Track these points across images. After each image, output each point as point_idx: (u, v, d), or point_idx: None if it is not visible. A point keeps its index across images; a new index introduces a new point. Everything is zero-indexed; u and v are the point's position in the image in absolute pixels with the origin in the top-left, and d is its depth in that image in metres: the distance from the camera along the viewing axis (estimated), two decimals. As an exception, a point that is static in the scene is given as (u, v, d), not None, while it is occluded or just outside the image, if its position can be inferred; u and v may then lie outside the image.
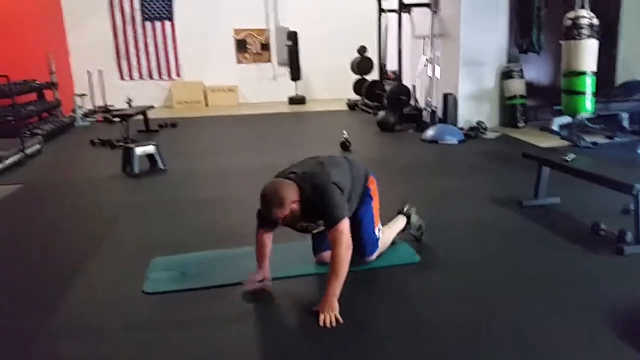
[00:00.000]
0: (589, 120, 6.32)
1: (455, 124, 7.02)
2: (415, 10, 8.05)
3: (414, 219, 3.12)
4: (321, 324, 2.24)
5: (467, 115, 7.08)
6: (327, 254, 2.61)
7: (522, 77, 6.94)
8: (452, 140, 6.38)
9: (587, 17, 5.01)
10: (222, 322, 2.36)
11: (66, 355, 2.13)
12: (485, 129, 6.80)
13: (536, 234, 3.35)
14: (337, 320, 2.25)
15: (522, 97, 6.95)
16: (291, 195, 2.38)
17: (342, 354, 2.09)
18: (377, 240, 2.81)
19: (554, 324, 2.24)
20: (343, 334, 2.20)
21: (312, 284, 2.72)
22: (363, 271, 2.80)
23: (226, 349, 2.16)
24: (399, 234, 3.06)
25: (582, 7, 5.14)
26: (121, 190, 4.75)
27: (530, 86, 7.12)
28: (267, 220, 2.54)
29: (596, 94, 5.27)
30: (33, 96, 8.02)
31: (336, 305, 2.30)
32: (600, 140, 5.88)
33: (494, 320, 2.30)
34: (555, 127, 6.34)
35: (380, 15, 8.50)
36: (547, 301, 2.45)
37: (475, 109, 7.12)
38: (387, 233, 2.94)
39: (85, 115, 9.38)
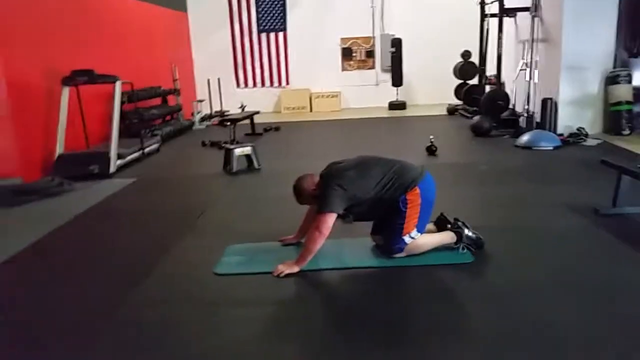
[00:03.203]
0: None
1: (553, 129, 6.76)
2: (519, 14, 7.86)
3: (467, 233, 3.13)
4: (273, 272, 2.93)
5: (567, 120, 6.78)
6: (376, 237, 3.22)
7: (629, 82, 6.50)
8: (547, 146, 6.17)
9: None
10: (277, 303, 2.68)
11: (144, 321, 2.55)
12: (586, 135, 6.47)
13: (605, 243, 3.25)
14: (285, 275, 2.91)
15: (628, 102, 6.50)
16: (308, 186, 3.09)
17: (376, 346, 2.22)
18: (404, 243, 3.02)
19: (603, 341, 2.19)
20: (381, 326, 2.39)
21: (364, 275, 2.97)
22: (413, 267, 2.98)
23: (277, 325, 2.47)
24: (449, 248, 3.14)
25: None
26: (218, 185, 5.30)
27: (639, 91, 6.63)
28: None
29: None
30: (158, 100, 9.03)
31: (294, 269, 2.94)
32: None
33: (538, 329, 2.27)
34: (663, 135, 5.89)
35: (482, 19, 8.39)
36: (601, 315, 2.38)
37: (576, 114, 6.79)
38: (423, 239, 3.08)
39: (203, 119, 10.35)
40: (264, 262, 3.12)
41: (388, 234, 3.08)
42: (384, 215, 3.12)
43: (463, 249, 3.12)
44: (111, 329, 2.48)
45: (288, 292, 2.78)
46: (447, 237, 3.15)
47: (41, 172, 5.65)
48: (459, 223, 3.18)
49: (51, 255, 3.58)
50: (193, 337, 2.38)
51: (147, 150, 6.68)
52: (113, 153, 5.77)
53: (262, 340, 2.32)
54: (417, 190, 2.99)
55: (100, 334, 2.43)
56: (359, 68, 11.85)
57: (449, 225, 3.21)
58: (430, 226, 3.27)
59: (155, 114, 8.20)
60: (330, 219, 2.91)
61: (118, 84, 6.08)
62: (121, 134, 6.86)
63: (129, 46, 8.32)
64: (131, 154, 6.27)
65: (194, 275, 3.06)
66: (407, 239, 3.02)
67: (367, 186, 2.98)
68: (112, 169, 5.71)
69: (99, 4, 7.44)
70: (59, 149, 5.79)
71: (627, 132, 6.53)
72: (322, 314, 2.57)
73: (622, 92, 6.51)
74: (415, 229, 3.03)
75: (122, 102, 7.09)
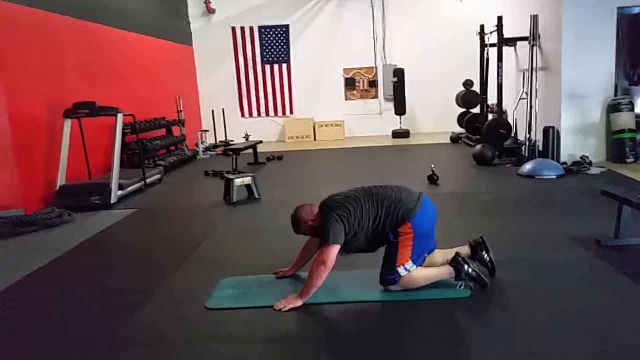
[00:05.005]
0: None
1: (556, 158, 6.71)
2: (519, 44, 7.91)
3: (467, 270, 2.99)
4: (274, 306, 2.88)
5: (570, 149, 6.73)
6: None
7: (631, 110, 6.47)
8: (550, 175, 6.12)
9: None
10: (267, 340, 2.60)
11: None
12: (590, 164, 6.41)
13: (608, 277, 3.15)
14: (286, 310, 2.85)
15: (631, 130, 6.46)
16: (307, 216, 3.06)
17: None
18: (398, 275, 2.96)
19: None
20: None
21: (360, 310, 2.89)
22: (410, 301, 2.92)
23: None
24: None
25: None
26: (217, 215, 5.28)
27: (642, 119, 6.60)
28: None
29: None
30: (162, 131, 9.10)
31: (297, 303, 2.88)
32: None
33: None
34: (668, 163, 5.83)
35: (482, 49, 8.44)
36: (600, 355, 2.29)
37: (580, 142, 6.75)
38: (420, 273, 3.01)
39: (207, 149, 10.41)
40: (258, 296, 3.08)
41: (383, 265, 3.03)
42: (378, 247, 3.09)
43: (461, 286, 3.01)
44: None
45: (282, 328, 2.71)
46: (444, 272, 3.05)
47: (43, 203, 5.67)
48: (460, 259, 3.04)
49: (44, 287, 3.54)
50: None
51: (149, 180, 6.69)
52: (114, 184, 5.78)
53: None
54: (408, 224, 2.94)
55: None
56: (362, 97, 11.94)
57: (474, 251, 3.19)
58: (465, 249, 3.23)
59: (159, 144, 8.26)
60: (335, 251, 2.87)
61: (119, 116, 6.14)
62: (124, 165, 6.93)
63: (133, 79, 8.43)
64: (133, 184, 6.28)
65: (185, 309, 3.00)
66: (401, 270, 2.95)
67: (364, 219, 2.95)
68: (113, 199, 5.72)
69: (104, 38, 7.57)
70: (61, 181, 5.81)
71: (631, 160, 6.47)
72: (316, 351, 2.50)
73: (624, 120, 6.48)
74: (410, 261, 2.96)
75: (125, 134, 7.17)
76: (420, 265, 3.03)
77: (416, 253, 2.98)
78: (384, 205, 2.98)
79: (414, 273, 2.98)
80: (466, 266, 3.01)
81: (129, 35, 8.44)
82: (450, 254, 3.15)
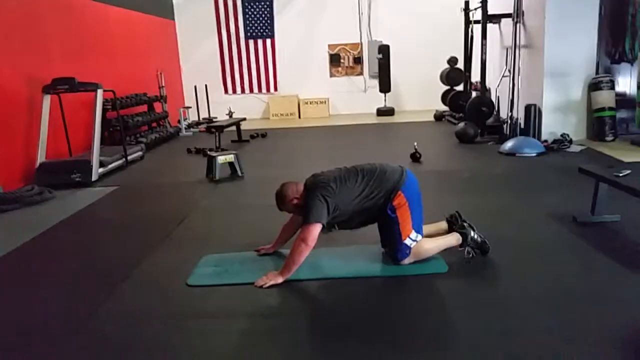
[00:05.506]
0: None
1: (537, 135, 6.77)
2: (504, 21, 7.89)
3: (473, 236, 3.13)
4: (255, 283, 2.90)
5: (551, 127, 6.79)
6: (385, 249, 3.19)
7: (611, 88, 6.53)
8: (531, 152, 6.18)
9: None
10: (248, 316, 2.62)
11: (109, 336, 2.48)
12: (570, 142, 6.48)
13: (583, 253, 3.21)
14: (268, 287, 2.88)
15: (610, 109, 6.53)
16: (292, 193, 3.05)
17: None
18: (407, 247, 3.00)
19: (576, 352, 2.15)
20: (358, 337, 2.36)
21: (340, 285, 2.92)
22: (385, 277, 2.97)
23: (247, 340, 2.40)
24: (453, 249, 3.14)
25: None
26: (199, 193, 5.26)
27: (622, 97, 6.66)
28: None
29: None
30: (144, 108, 8.98)
31: (278, 280, 2.90)
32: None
33: (505, 343, 2.24)
34: (646, 141, 5.91)
35: (467, 25, 8.42)
36: (576, 326, 2.34)
37: (560, 120, 6.81)
38: (427, 243, 3.07)
39: (190, 126, 10.31)
40: (239, 273, 3.09)
41: (390, 243, 3.08)
42: (364, 224, 3.13)
43: (468, 253, 3.11)
44: (75, 344, 2.43)
45: (262, 304, 2.73)
46: (452, 239, 3.14)
47: (22, 181, 5.60)
48: (466, 224, 3.16)
49: (25, 265, 3.53)
50: (160, 352, 2.33)
51: (130, 157, 6.63)
52: (95, 161, 5.72)
53: (235, 355, 2.28)
54: (401, 193, 2.99)
55: (62, 350, 2.38)
56: (347, 74, 11.88)
57: (454, 227, 3.21)
58: (442, 224, 3.30)
59: (140, 121, 8.15)
60: (316, 229, 2.89)
61: (99, 92, 6.04)
62: (105, 142, 6.85)
63: (114, 54, 8.28)
64: (114, 161, 6.22)
65: (165, 286, 3.01)
66: (408, 242, 3.00)
67: (350, 198, 2.97)
68: (94, 177, 5.66)
69: (83, 11, 7.40)
70: (41, 158, 5.73)
71: (610, 138, 6.55)
72: (297, 326, 2.52)
73: (604, 98, 6.54)
74: (413, 231, 3.01)
75: (106, 110, 7.06)
76: (421, 232, 3.08)
77: (415, 220, 3.02)
78: (370, 180, 3.01)
79: (421, 243, 3.04)
80: (472, 231, 3.13)
81: (110, 8, 8.25)
82: (431, 227, 3.26)
